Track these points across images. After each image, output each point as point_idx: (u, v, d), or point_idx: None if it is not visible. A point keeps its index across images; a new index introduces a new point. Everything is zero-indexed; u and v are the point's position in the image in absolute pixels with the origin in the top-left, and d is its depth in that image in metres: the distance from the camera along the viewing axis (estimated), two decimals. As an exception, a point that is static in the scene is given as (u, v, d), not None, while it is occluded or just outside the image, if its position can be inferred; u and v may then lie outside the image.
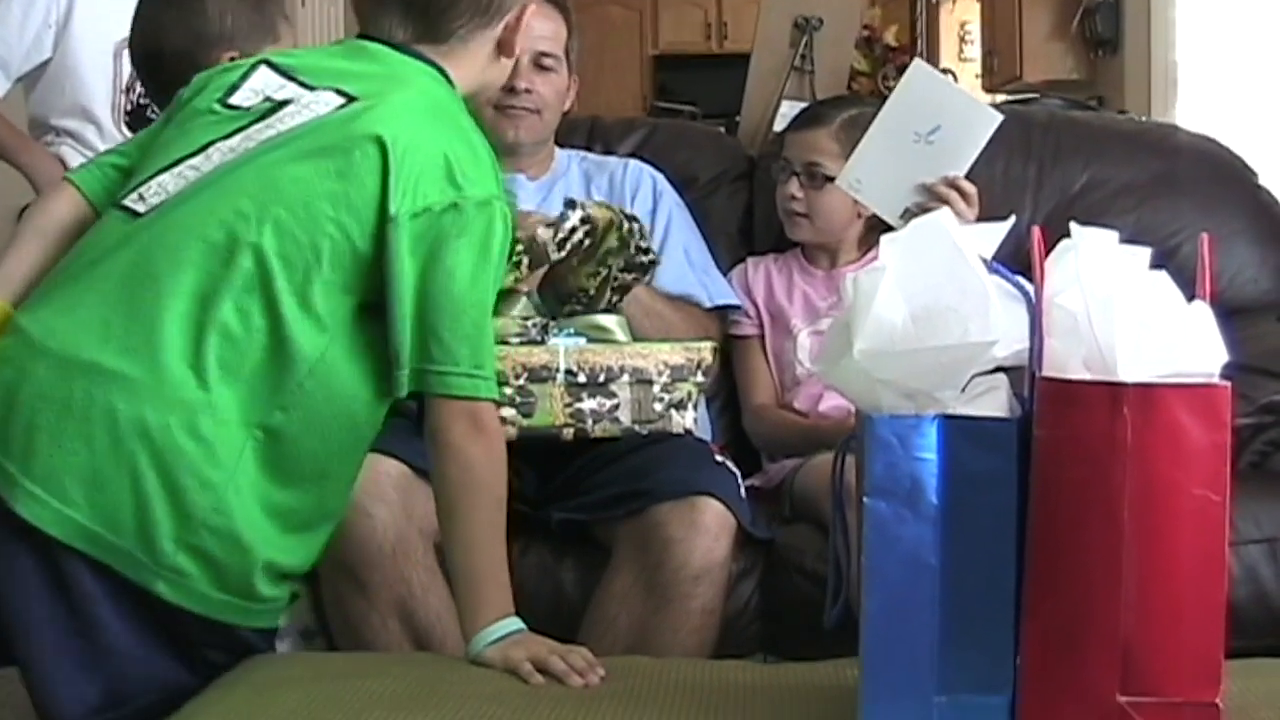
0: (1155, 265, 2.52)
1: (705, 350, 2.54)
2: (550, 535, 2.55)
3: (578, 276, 2.56)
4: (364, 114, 1.96)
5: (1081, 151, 3.33)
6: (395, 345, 1.93)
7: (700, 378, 2.54)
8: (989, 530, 1.43)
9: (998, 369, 1.49)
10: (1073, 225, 1.60)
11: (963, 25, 10.58)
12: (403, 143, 1.93)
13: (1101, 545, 1.37)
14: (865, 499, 1.41)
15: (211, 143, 2.00)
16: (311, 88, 2.03)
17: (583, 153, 3.23)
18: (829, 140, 2.97)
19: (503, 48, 2.16)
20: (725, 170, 3.40)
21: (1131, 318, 1.41)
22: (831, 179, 2.90)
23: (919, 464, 1.42)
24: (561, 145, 3.17)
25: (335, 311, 1.93)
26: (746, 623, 2.53)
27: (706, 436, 2.86)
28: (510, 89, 2.88)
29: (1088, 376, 1.44)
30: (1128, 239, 3.08)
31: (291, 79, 2.06)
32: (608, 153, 3.33)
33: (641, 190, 3.10)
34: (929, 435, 1.42)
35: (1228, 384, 1.44)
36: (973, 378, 1.46)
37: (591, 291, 2.57)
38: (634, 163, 3.17)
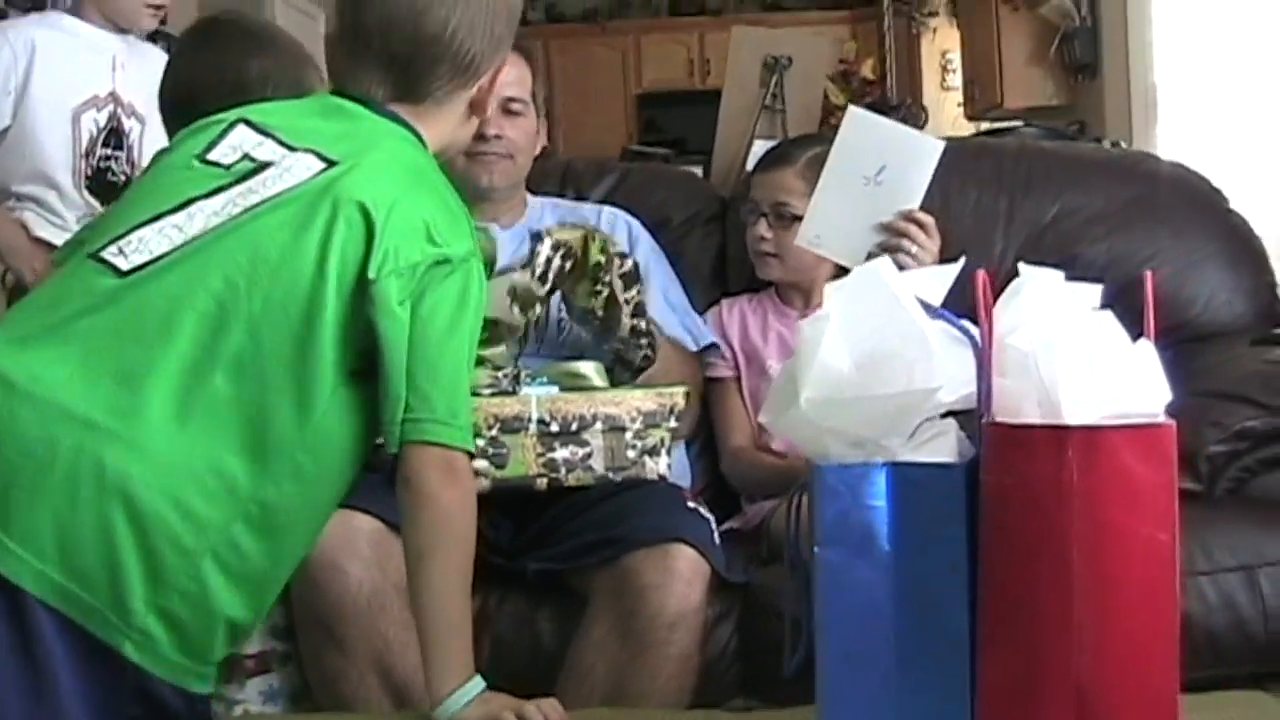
0: (1126, 293, 2.53)
1: (678, 395, 2.55)
2: (526, 585, 2.55)
3: (579, 299, 2.57)
4: (344, 179, 1.97)
5: (1053, 181, 3.34)
6: (389, 401, 1.93)
7: (673, 423, 2.54)
8: (941, 576, 1.43)
9: (948, 414, 1.49)
10: (1021, 265, 1.61)
11: (944, 55, 10.61)
12: (384, 207, 1.93)
13: (1052, 588, 1.37)
14: (816, 548, 1.42)
15: (193, 200, 1.99)
16: (291, 148, 2.03)
17: (555, 200, 3.23)
18: (795, 179, 2.99)
19: (475, 108, 2.18)
20: (698, 212, 3.41)
21: (1075, 359, 1.41)
22: (799, 218, 2.91)
23: (869, 512, 1.42)
24: (534, 192, 3.17)
25: (325, 379, 1.92)
26: (725, 667, 2.52)
27: (685, 480, 2.86)
28: (480, 136, 2.89)
29: (1039, 418, 1.45)
30: (1101, 267, 3.14)
31: (270, 137, 2.06)
32: (580, 198, 3.34)
33: (616, 236, 3.09)
34: (878, 483, 1.42)
35: (1172, 423, 1.44)
36: (922, 423, 1.46)
37: (600, 311, 2.57)
38: (608, 209, 3.18)
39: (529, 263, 2.52)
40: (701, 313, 3.14)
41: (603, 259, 2.55)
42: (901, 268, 2.74)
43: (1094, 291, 1.60)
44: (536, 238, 2.55)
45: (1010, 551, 1.39)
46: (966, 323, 1.51)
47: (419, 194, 1.99)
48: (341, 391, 1.93)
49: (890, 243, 2.79)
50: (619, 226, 3.13)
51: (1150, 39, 6.79)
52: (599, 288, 2.56)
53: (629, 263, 2.61)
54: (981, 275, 1.50)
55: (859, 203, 2.79)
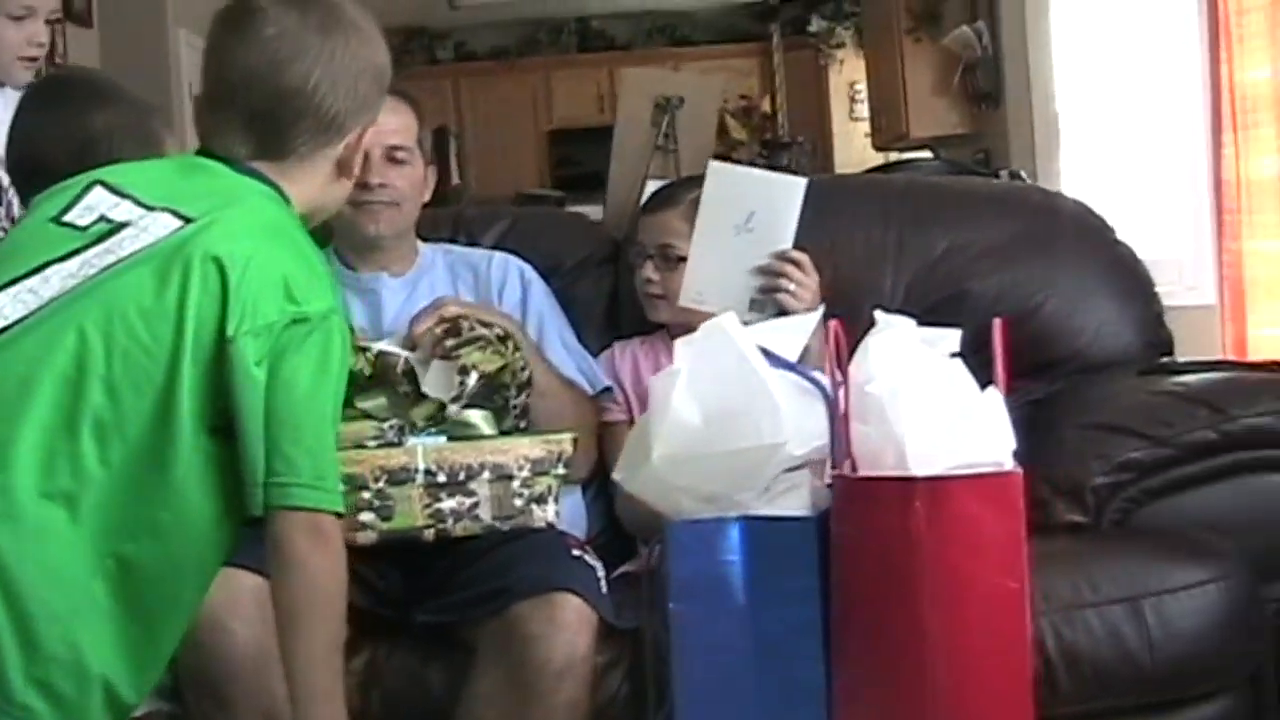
0: (1015, 327, 2.54)
1: (565, 442, 2.54)
2: (415, 638, 2.53)
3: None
4: (201, 234, 1.95)
5: (941, 216, 3.36)
6: (248, 462, 1.91)
7: (561, 470, 2.53)
8: (797, 628, 1.43)
9: (804, 465, 1.50)
10: (877, 313, 1.62)
11: (852, 85, 10.69)
12: (240, 263, 1.92)
13: (903, 638, 1.38)
14: (670, 604, 1.41)
15: (48, 263, 1.97)
16: (148, 208, 2.01)
17: (447, 246, 3.22)
18: (679, 221, 3.00)
19: (342, 168, 2.16)
20: (590, 255, 3.41)
21: (922, 409, 1.42)
22: (684, 258, 2.93)
23: (723, 566, 1.43)
24: (426, 239, 3.16)
25: (186, 436, 1.90)
26: (616, 713, 2.50)
27: (580, 524, 2.85)
28: (364, 185, 2.88)
29: (894, 465, 1.45)
30: (991, 301, 3.16)
31: (127, 197, 2.03)
32: (472, 244, 3.32)
33: (509, 282, 3.10)
34: (731, 537, 1.43)
35: (1019, 471, 1.45)
36: (776, 476, 1.46)
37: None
38: (499, 255, 3.17)
39: (458, 394, 2.55)
40: (594, 356, 3.13)
41: (508, 381, 2.59)
42: (783, 308, 2.80)
43: (952, 337, 1.61)
44: (464, 372, 2.56)
45: (862, 602, 1.40)
46: (819, 373, 1.51)
47: (277, 249, 1.97)
48: (203, 449, 1.91)
49: (769, 284, 2.84)
50: (511, 272, 3.12)
51: (1051, 68, 6.86)
52: (497, 399, 2.59)
53: (526, 374, 2.66)
54: (834, 325, 1.51)
55: (734, 252, 2.84)
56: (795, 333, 1.59)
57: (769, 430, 1.40)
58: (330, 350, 1.95)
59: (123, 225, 1.98)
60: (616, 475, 1.56)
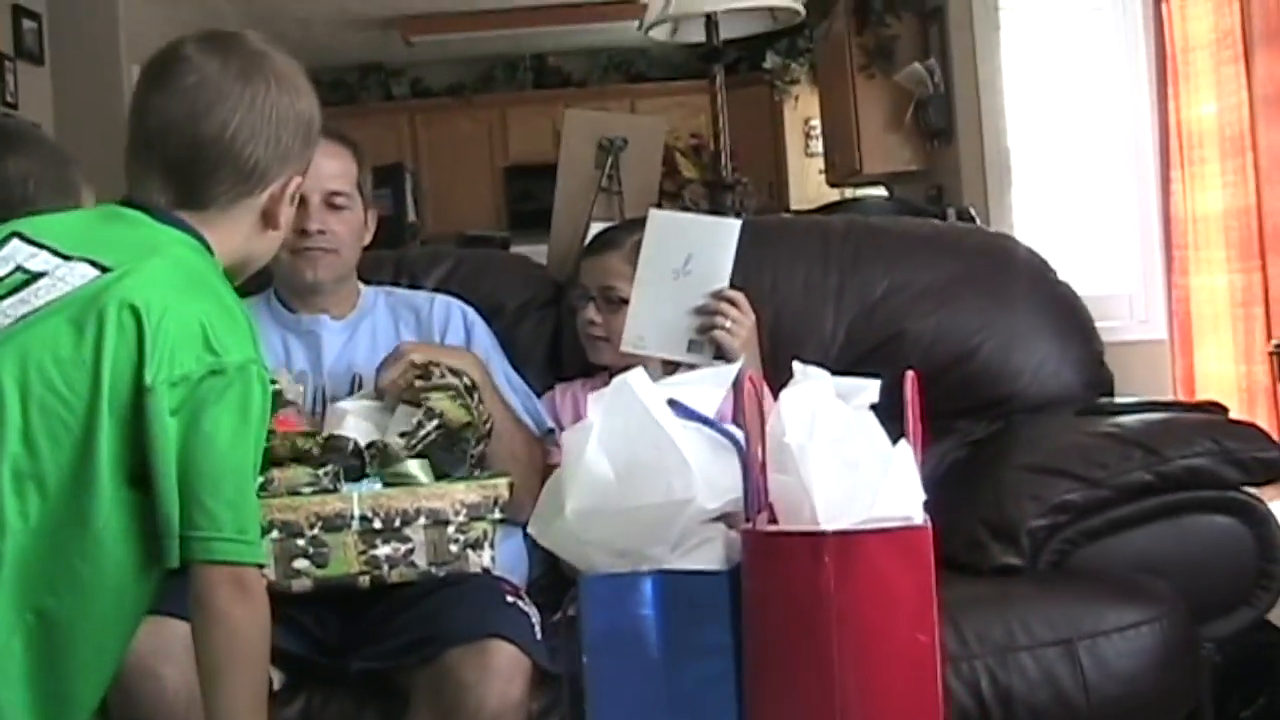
0: (955, 367, 2.55)
1: (501, 486, 2.54)
2: (352, 685, 2.52)
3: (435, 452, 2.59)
4: (116, 283, 1.93)
5: (881, 257, 3.38)
6: (163, 515, 1.89)
7: (497, 514, 2.53)
8: (711, 683, 1.43)
9: (720, 518, 1.50)
10: (795, 364, 1.62)
11: (807, 122, 10.75)
12: (157, 311, 1.90)
13: (814, 694, 1.37)
14: (585, 658, 1.41)
15: None
16: (66, 257, 1.99)
17: (389, 288, 3.22)
18: (621, 263, 3.02)
19: (268, 219, 2.13)
20: (532, 297, 3.42)
21: (832, 463, 1.42)
22: (626, 300, 2.95)
23: (637, 620, 1.42)
24: (368, 282, 3.15)
25: (105, 487, 1.88)
26: (552, 759, 2.51)
27: (521, 567, 2.85)
28: (302, 231, 2.88)
29: (808, 517, 1.45)
30: (929, 341, 3.18)
31: (44, 248, 2.01)
32: (415, 286, 3.33)
33: (452, 324, 3.10)
34: (644, 591, 1.43)
35: (928, 526, 1.45)
36: (689, 530, 1.46)
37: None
38: (441, 297, 3.17)
39: (410, 432, 2.55)
40: (537, 397, 3.14)
41: (469, 435, 2.59)
42: (720, 346, 2.81)
43: (871, 388, 1.61)
44: (429, 415, 2.57)
45: (773, 657, 1.40)
46: (734, 426, 1.51)
47: (195, 299, 1.95)
48: (124, 500, 1.89)
49: (705, 324, 2.88)
50: (454, 314, 3.12)
51: (1002, 105, 6.90)
52: (456, 452, 2.59)
53: (487, 426, 2.67)
54: (749, 377, 1.51)
55: (673, 296, 2.89)
56: (713, 384, 1.58)
57: (679, 487, 1.40)
58: (250, 401, 1.93)
59: (39, 275, 1.96)
60: (531, 529, 1.56)
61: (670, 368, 3.03)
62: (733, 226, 2.89)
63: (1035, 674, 2.51)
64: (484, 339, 3.11)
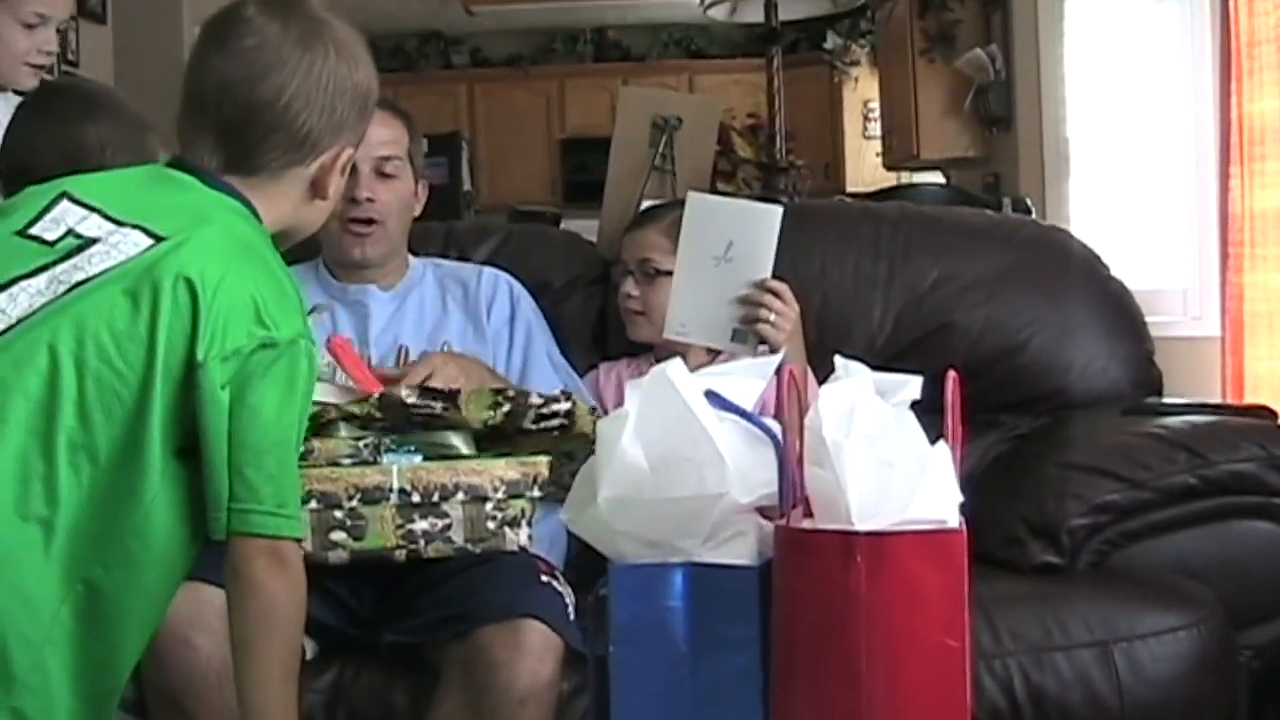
0: (1002, 360, 2.53)
1: (541, 465, 2.52)
2: (384, 658, 2.53)
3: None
4: (171, 254, 1.92)
5: (931, 247, 3.36)
6: (213, 488, 1.89)
7: (536, 493, 2.51)
8: (737, 678, 1.42)
9: (752, 511, 1.49)
10: (837, 359, 1.61)
11: (865, 104, 10.70)
12: (212, 285, 1.89)
13: (841, 694, 1.37)
14: (611, 648, 1.41)
15: (15, 280, 1.94)
16: (118, 223, 1.98)
17: (437, 260, 3.22)
18: (659, 236, 3.02)
19: (317, 188, 2.12)
20: (580, 275, 3.41)
21: (868, 463, 1.41)
22: (664, 273, 2.96)
23: (665, 612, 1.42)
24: (416, 253, 3.15)
25: (156, 460, 1.88)
26: (583, 740, 2.51)
27: (560, 545, 2.84)
28: (352, 199, 2.88)
29: (843, 515, 1.44)
30: (978, 333, 3.16)
31: (95, 211, 2.00)
32: (463, 259, 3.32)
33: (498, 298, 3.10)
34: (674, 583, 1.42)
35: (963, 530, 1.44)
36: (721, 523, 1.45)
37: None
38: (489, 270, 3.17)
39: (546, 397, 2.54)
40: (580, 376, 3.13)
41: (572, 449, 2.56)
42: (763, 338, 2.79)
43: (912, 385, 1.60)
44: (567, 396, 2.57)
45: (801, 656, 1.39)
46: (773, 421, 1.50)
47: (248, 270, 1.94)
48: (172, 474, 1.90)
49: (750, 315, 2.85)
50: (500, 288, 3.12)
51: (1063, 94, 6.86)
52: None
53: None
54: (788, 372, 1.50)
55: (714, 283, 2.85)
56: (752, 376, 1.57)
57: (713, 480, 1.40)
58: (297, 375, 1.93)
59: (92, 241, 1.95)
60: (563, 515, 1.56)
61: (713, 352, 3.02)
62: (774, 214, 2.84)
63: (1069, 675, 2.49)
64: (529, 314, 3.10)
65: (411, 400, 2.46)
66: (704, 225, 2.84)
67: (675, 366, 1.48)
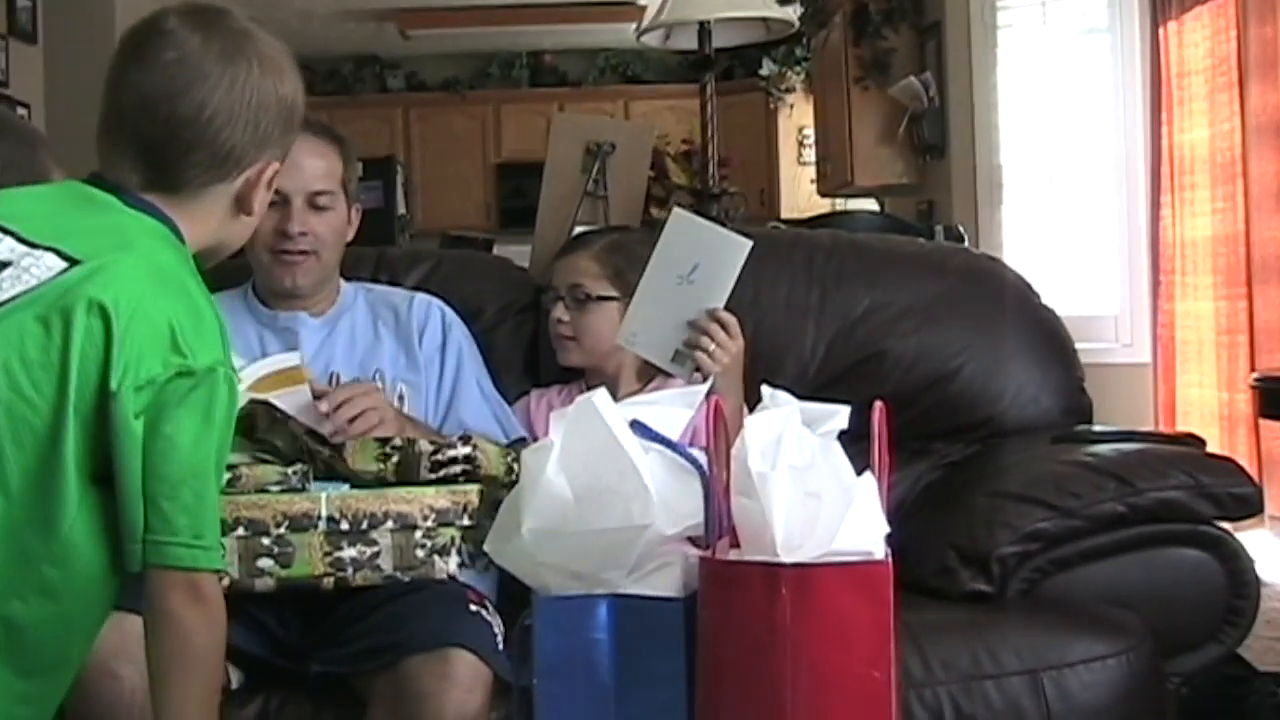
0: (934, 389, 2.53)
1: (471, 493, 2.50)
2: (311, 688, 2.50)
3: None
4: (86, 280, 1.86)
5: (864, 275, 3.36)
6: (128, 519, 1.85)
7: (466, 521, 2.50)
8: (662, 711, 1.41)
9: (678, 542, 1.48)
10: (764, 388, 1.60)
11: (800, 130, 10.75)
12: (126, 312, 1.84)
13: (766, 726, 1.36)
14: (535, 680, 1.39)
15: None
16: (31, 245, 1.92)
17: (368, 285, 3.19)
18: (591, 262, 3.01)
19: (241, 204, 2.07)
20: (512, 301, 3.39)
21: (795, 494, 1.40)
22: (595, 298, 2.98)
23: (590, 645, 1.40)
24: (347, 278, 3.12)
25: (72, 489, 1.84)
26: (511, 771, 2.48)
27: (489, 577, 2.82)
28: (283, 232, 2.85)
29: (768, 546, 1.43)
30: (910, 361, 3.17)
31: (7, 233, 1.94)
32: (394, 284, 3.29)
33: (430, 324, 3.07)
34: (599, 615, 1.41)
35: (888, 561, 1.43)
36: (646, 555, 1.44)
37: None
38: (421, 296, 3.14)
39: (439, 443, 2.55)
40: (511, 403, 3.11)
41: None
42: (699, 367, 2.79)
43: (840, 414, 1.59)
44: (465, 440, 2.57)
45: (726, 689, 1.38)
46: (698, 452, 1.50)
47: (165, 297, 1.89)
48: (89, 501, 1.85)
49: (692, 340, 2.86)
50: (433, 314, 3.09)
51: (996, 122, 6.92)
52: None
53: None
54: (714, 402, 1.49)
55: (672, 301, 2.85)
56: (679, 405, 1.57)
57: (638, 511, 1.39)
58: (215, 404, 1.88)
59: (4, 264, 1.89)
60: (488, 546, 1.54)
61: (647, 374, 3.02)
62: (743, 247, 2.83)
63: (999, 704, 2.49)
64: (461, 341, 3.08)
65: (302, 436, 2.45)
66: (679, 243, 2.84)
67: (601, 396, 1.47)
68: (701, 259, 2.84)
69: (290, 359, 2.72)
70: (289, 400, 2.63)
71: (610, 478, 1.40)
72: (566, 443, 1.43)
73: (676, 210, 2.90)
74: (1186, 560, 2.77)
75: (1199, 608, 2.76)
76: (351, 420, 2.65)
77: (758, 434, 1.47)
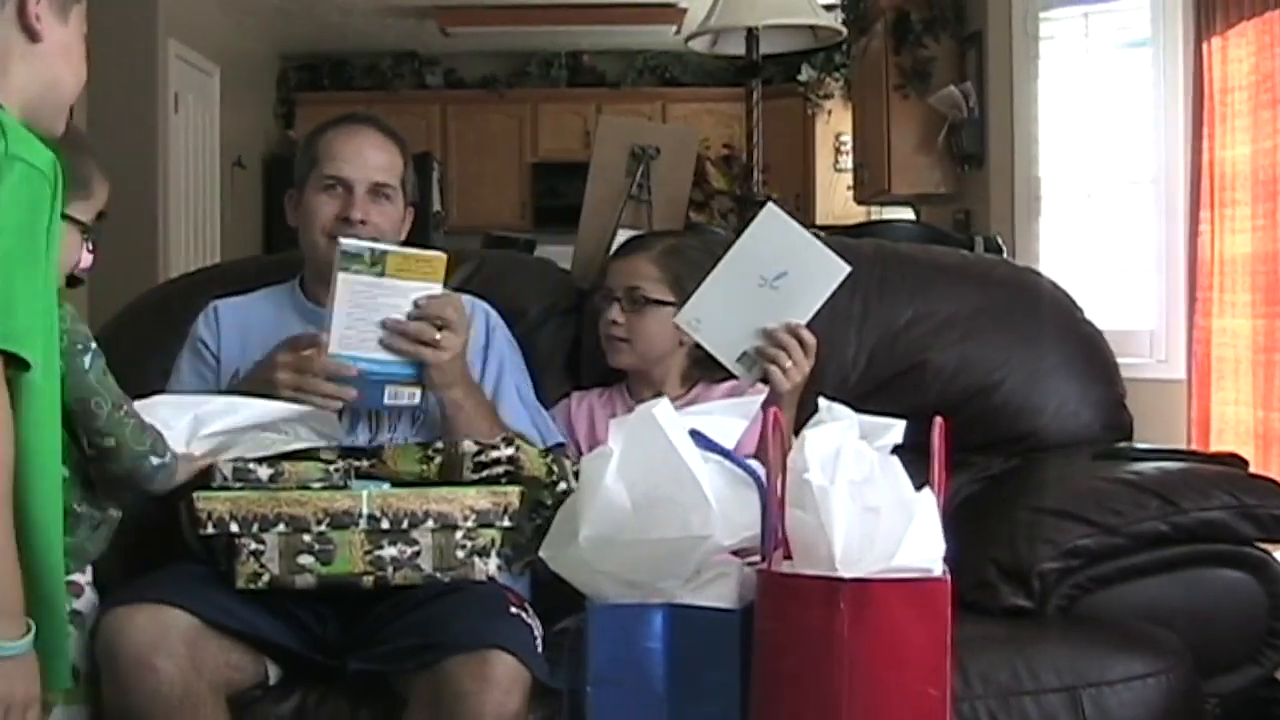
0: (974, 401, 2.52)
1: (512, 495, 2.51)
2: (349, 685, 2.50)
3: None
4: None
5: (907, 285, 3.36)
6: None
7: (506, 522, 2.50)
8: (715, 720, 1.41)
9: (734, 553, 1.48)
10: (821, 401, 1.60)
11: (837, 137, 10.72)
12: None
13: (820, 741, 1.35)
14: (589, 688, 1.39)
15: None
16: None
17: (414, 284, 3.19)
18: (649, 265, 3.01)
19: (31, 35, 2.02)
20: (554, 303, 3.39)
21: (855, 508, 1.40)
22: (652, 301, 2.95)
23: (644, 653, 1.40)
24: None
25: None
26: (548, 772, 2.48)
27: (525, 579, 2.82)
28: (345, 219, 2.88)
29: (824, 559, 1.43)
30: (951, 373, 3.16)
31: None
32: (437, 283, 3.29)
33: (474, 324, 3.08)
34: (653, 624, 1.41)
35: (946, 579, 1.43)
36: (703, 565, 1.44)
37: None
38: (465, 297, 3.14)
39: (484, 445, 2.55)
40: (551, 405, 3.12)
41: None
42: (768, 378, 2.77)
43: (895, 429, 1.59)
44: (509, 441, 2.56)
45: (780, 701, 1.38)
46: (757, 463, 1.49)
47: None
48: None
49: (768, 351, 2.81)
50: (477, 314, 3.10)
51: (1035, 133, 6.89)
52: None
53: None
54: (774, 414, 1.49)
55: (749, 301, 2.80)
56: (734, 416, 1.56)
57: (697, 523, 1.39)
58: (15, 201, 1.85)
59: None
60: (543, 553, 1.54)
61: (691, 378, 3.01)
62: (841, 269, 2.80)
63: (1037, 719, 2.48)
64: (503, 344, 3.08)
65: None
66: (767, 241, 2.79)
67: (662, 406, 1.47)
68: (791, 268, 2.79)
69: (437, 255, 2.72)
70: (411, 290, 2.67)
71: (669, 487, 1.40)
72: (626, 451, 1.43)
73: (770, 207, 2.86)
74: (1227, 581, 2.77)
75: (1238, 629, 2.75)
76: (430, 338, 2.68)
77: (817, 447, 1.47)
